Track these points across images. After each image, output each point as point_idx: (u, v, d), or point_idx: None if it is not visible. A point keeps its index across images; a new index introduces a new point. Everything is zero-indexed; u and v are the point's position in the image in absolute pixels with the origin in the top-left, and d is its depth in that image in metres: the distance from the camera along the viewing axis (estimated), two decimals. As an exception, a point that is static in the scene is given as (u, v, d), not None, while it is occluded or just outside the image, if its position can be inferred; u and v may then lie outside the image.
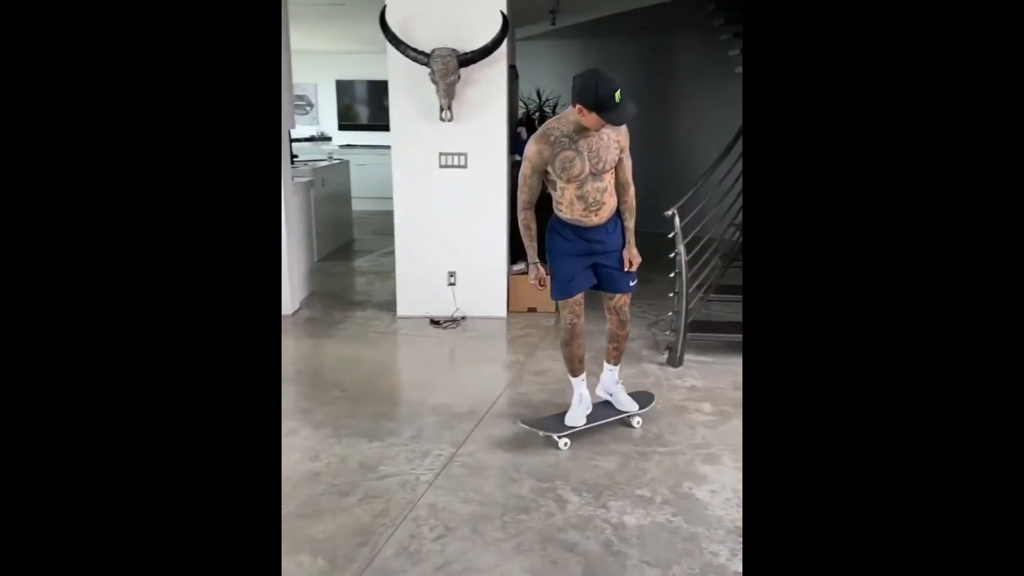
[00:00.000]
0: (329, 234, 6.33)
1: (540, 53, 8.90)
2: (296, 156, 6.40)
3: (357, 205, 7.47)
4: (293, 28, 4.63)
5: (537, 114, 7.18)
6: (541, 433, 2.74)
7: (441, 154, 4.32)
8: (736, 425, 2.92)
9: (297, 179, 5.16)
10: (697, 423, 2.95)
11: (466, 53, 4.01)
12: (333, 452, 2.66)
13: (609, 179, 2.57)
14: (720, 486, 2.40)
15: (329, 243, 6.35)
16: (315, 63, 8.78)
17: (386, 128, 4.43)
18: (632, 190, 2.68)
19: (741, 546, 2.04)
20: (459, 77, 4.04)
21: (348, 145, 9.01)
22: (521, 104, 6.98)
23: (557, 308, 3.07)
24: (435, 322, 4.39)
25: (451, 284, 4.47)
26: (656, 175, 7.63)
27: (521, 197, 2.61)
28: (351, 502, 2.31)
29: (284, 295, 4.38)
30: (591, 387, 2.92)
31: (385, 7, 4.06)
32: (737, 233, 4.10)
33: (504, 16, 4.08)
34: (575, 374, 2.82)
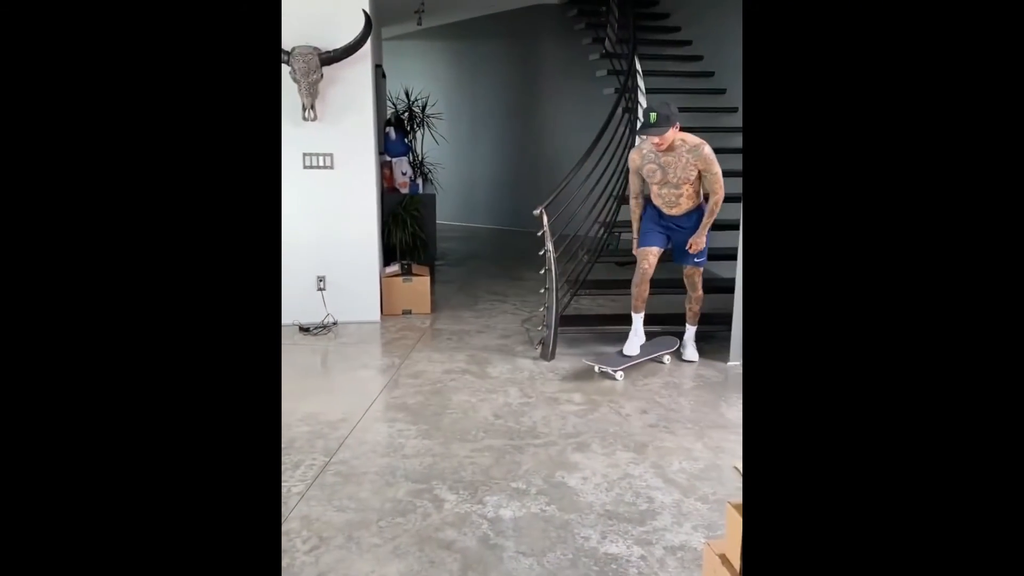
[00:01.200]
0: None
1: (408, 53, 8.84)
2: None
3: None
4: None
5: (406, 113, 7.13)
6: (597, 368, 3.51)
7: (305, 154, 4.18)
8: (604, 412, 3.06)
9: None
10: (568, 413, 3.05)
11: (328, 52, 3.92)
12: (195, 471, 2.51)
13: (685, 188, 3.40)
14: (591, 472, 2.51)
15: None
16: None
17: (245, 128, 4.23)
18: (716, 198, 3.37)
19: (611, 529, 2.14)
20: (322, 76, 3.93)
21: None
22: (390, 104, 6.90)
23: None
24: (304, 329, 4.25)
25: (320, 289, 4.35)
26: (530, 175, 7.82)
27: (630, 191, 3.62)
28: (216, 522, 2.19)
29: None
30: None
31: (239, 1, 3.88)
32: (602, 230, 4.28)
33: (366, 14, 4.02)
34: (636, 311, 3.61)
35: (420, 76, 8.16)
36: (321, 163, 4.21)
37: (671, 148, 3.29)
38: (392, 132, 5.71)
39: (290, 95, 3.96)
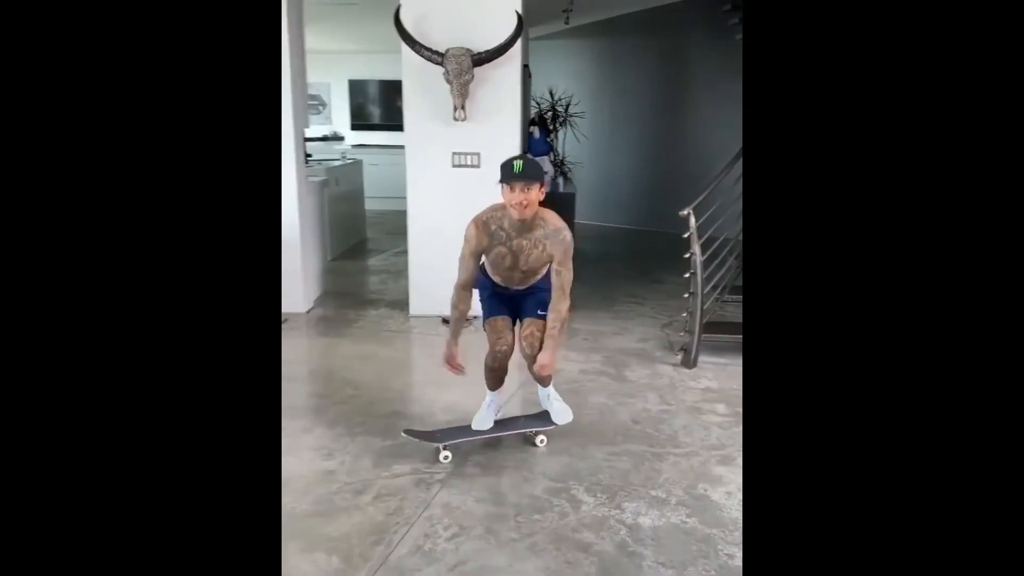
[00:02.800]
0: (342, 233, 6.35)
1: (553, 52, 8.89)
2: (310, 155, 6.45)
3: (369, 204, 7.49)
4: (306, 27, 4.64)
5: (550, 113, 7.17)
6: (437, 446, 2.62)
7: (454, 153, 4.32)
8: (751, 427, 2.91)
9: (312, 178, 5.17)
10: (712, 424, 2.93)
11: (480, 52, 4.01)
12: (347, 450, 2.67)
13: (537, 271, 2.63)
14: (735, 488, 2.38)
15: (342, 242, 6.37)
16: (328, 63, 8.81)
17: (397, 128, 4.43)
18: (566, 303, 2.57)
19: (757, 548, 2.03)
20: (473, 76, 4.03)
21: (360, 145, 9.03)
22: (534, 103, 6.97)
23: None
24: (447, 321, 4.39)
25: (464, 283, 4.47)
26: (671, 175, 7.61)
27: (458, 277, 2.63)
28: (365, 500, 2.31)
29: (298, 294, 4.40)
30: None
31: (400, 6, 4.07)
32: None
33: (519, 16, 4.08)
34: (492, 390, 2.81)
35: (565, 75, 8.18)
36: (469, 162, 4.33)
37: (532, 225, 2.48)
38: (536, 131, 5.77)
39: (442, 95, 4.10)
